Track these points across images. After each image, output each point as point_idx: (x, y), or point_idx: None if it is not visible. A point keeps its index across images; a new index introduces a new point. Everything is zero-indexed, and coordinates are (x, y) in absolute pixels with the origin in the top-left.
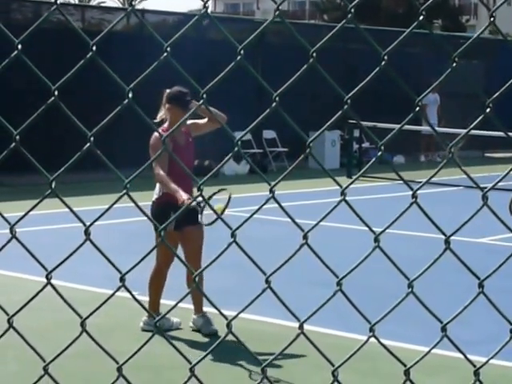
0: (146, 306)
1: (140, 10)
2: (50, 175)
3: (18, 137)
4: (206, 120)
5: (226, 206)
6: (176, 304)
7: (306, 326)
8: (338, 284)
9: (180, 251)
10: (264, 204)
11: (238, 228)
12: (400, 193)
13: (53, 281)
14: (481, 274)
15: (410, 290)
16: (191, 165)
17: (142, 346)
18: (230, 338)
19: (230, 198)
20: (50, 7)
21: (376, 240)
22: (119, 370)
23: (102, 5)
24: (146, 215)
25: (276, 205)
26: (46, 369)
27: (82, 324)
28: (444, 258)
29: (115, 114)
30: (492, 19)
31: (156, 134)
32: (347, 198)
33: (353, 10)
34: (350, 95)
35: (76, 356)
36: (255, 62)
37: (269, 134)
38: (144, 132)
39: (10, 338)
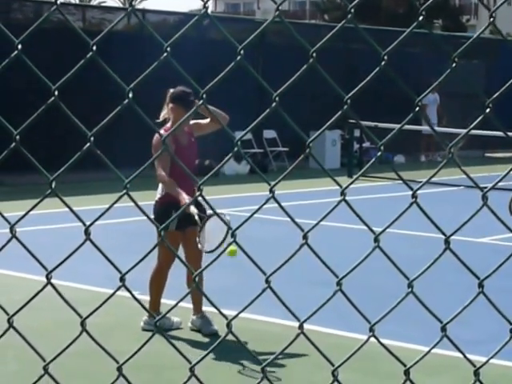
0: (147, 305)
1: (141, 10)
2: (51, 175)
3: (18, 137)
4: (208, 120)
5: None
6: (176, 304)
7: (307, 326)
8: (338, 284)
9: (181, 251)
10: (264, 204)
11: (237, 228)
12: (401, 192)
13: (53, 280)
14: (483, 274)
15: (410, 289)
16: (194, 165)
17: (142, 346)
18: (231, 337)
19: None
20: (51, 7)
21: (376, 240)
22: (119, 369)
23: (103, 4)
24: (146, 215)
25: (276, 204)
26: (46, 368)
27: (82, 324)
28: (444, 258)
29: (115, 114)
30: (492, 20)
31: (158, 135)
32: (348, 198)
33: (353, 11)
34: (349, 95)
35: (76, 355)
36: (256, 62)
37: (269, 133)
38: (144, 132)
39: (11, 338)
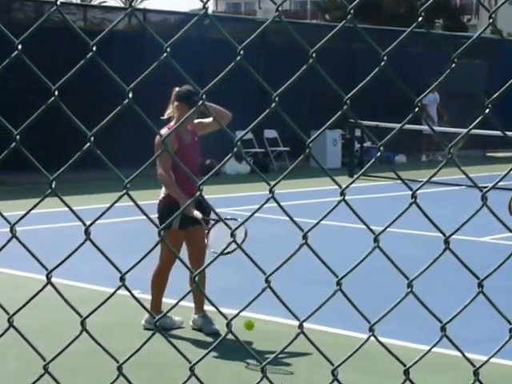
0: (149, 304)
1: (142, 10)
2: (51, 174)
3: (18, 136)
4: (211, 119)
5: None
6: (177, 303)
7: (306, 325)
8: (338, 284)
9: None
10: (263, 204)
11: (237, 228)
12: (402, 192)
13: (53, 279)
14: (483, 273)
15: (410, 289)
16: (197, 163)
17: (142, 345)
18: (232, 337)
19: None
20: (52, 7)
21: (375, 240)
22: (119, 368)
23: (104, 4)
24: (146, 215)
25: (277, 204)
26: (46, 367)
27: (83, 323)
28: (444, 257)
29: (115, 114)
30: (491, 20)
31: (161, 132)
32: (349, 197)
33: (352, 11)
34: (349, 95)
35: (77, 355)
36: (257, 62)
37: (270, 133)
38: (144, 131)
39: (12, 337)
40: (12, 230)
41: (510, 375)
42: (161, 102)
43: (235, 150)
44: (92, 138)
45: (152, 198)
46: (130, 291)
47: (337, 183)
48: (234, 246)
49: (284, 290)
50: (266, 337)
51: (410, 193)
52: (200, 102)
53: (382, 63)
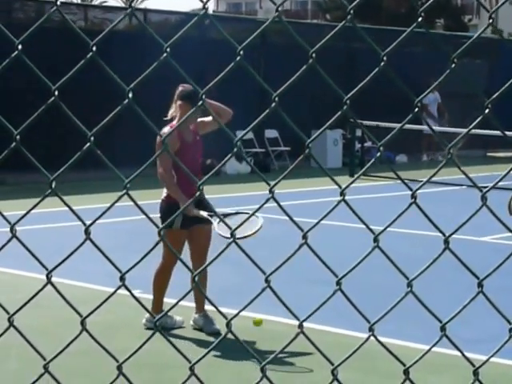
0: (150, 303)
1: (142, 10)
2: (51, 174)
3: (18, 136)
4: (211, 118)
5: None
6: (177, 302)
7: (306, 325)
8: (338, 283)
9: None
10: (263, 204)
11: (237, 227)
12: (403, 192)
13: (54, 279)
14: (484, 273)
15: (410, 289)
16: (199, 162)
17: (142, 345)
18: (232, 336)
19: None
20: (52, 7)
21: (375, 240)
22: (119, 368)
23: (105, 4)
24: (146, 215)
25: (276, 204)
26: (46, 367)
27: (83, 322)
28: (444, 257)
29: (115, 114)
30: (491, 20)
31: (163, 131)
32: (349, 197)
33: (352, 11)
34: (349, 95)
35: (77, 354)
36: (258, 63)
37: (271, 133)
38: (145, 131)
39: (12, 337)
40: (12, 229)
41: (510, 375)
42: (161, 101)
43: (235, 149)
44: (92, 138)
45: (152, 198)
46: (129, 291)
47: (336, 183)
48: (254, 229)
49: (284, 289)
50: (266, 337)
51: (411, 193)
52: (200, 102)
53: (382, 63)
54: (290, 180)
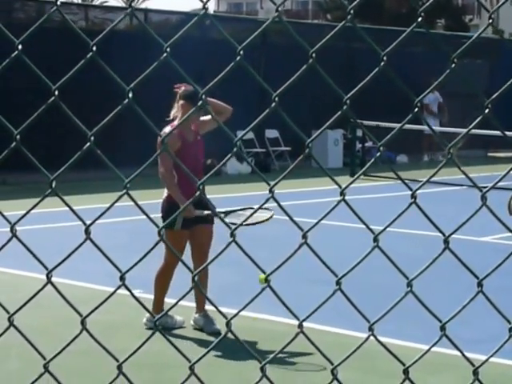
0: (150, 304)
1: (143, 10)
2: (51, 174)
3: (18, 136)
4: (209, 116)
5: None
6: (176, 302)
7: (306, 324)
8: (338, 283)
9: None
10: (263, 204)
11: (237, 227)
12: (403, 192)
13: (54, 278)
14: (484, 273)
15: (410, 288)
16: (200, 162)
17: (142, 344)
18: (233, 336)
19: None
20: (53, 7)
21: (375, 240)
22: (119, 367)
23: (105, 4)
24: (146, 215)
25: (276, 203)
26: (46, 366)
27: (83, 322)
28: (444, 257)
29: (115, 114)
30: (491, 20)
31: (165, 130)
32: (350, 197)
33: (352, 11)
34: (349, 95)
35: (77, 354)
36: (258, 62)
37: (271, 133)
38: (145, 131)
39: (13, 336)
40: (12, 229)
41: (509, 374)
42: (162, 101)
43: (235, 149)
44: (92, 138)
45: (152, 198)
46: (129, 290)
47: (336, 183)
48: (267, 215)
49: (284, 289)
50: (266, 336)
51: (411, 193)
52: (200, 102)
53: (382, 63)
54: (290, 180)
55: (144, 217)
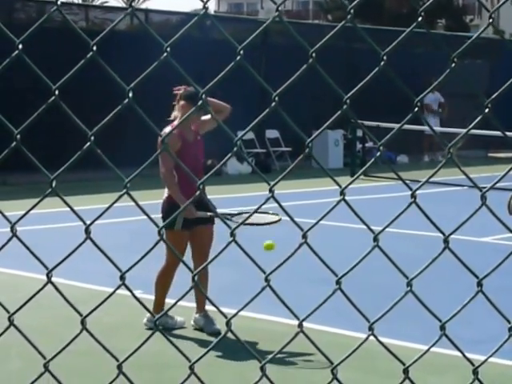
0: (150, 304)
1: (143, 10)
2: (52, 174)
3: (18, 136)
4: (209, 116)
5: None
6: (176, 302)
7: (306, 324)
8: (338, 283)
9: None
10: (263, 204)
11: (237, 227)
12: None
13: (54, 278)
14: (484, 273)
15: (409, 288)
16: (200, 162)
17: (141, 344)
18: (233, 336)
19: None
20: (53, 7)
21: (375, 239)
22: (119, 367)
23: (106, 4)
24: (147, 214)
25: (277, 203)
26: (46, 366)
27: (83, 322)
28: (444, 257)
29: (115, 114)
30: (491, 20)
31: (165, 130)
32: (350, 198)
33: (352, 11)
34: (348, 95)
35: (77, 353)
36: (259, 62)
37: (272, 133)
38: (145, 131)
39: (13, 336)
40: (12, 229)
41: (509, 374)
42: (162, 101)
43: (235, 149)
44: (92, 138)
45: (153, 198)
46: (130, 290)
47: (336, 183)
48: (274, 218)
49: (284, 289)
50: (266, 336)
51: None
52: (200, 102)
53: (382, 63)
54: (291, 180)
55: (144, 217)
